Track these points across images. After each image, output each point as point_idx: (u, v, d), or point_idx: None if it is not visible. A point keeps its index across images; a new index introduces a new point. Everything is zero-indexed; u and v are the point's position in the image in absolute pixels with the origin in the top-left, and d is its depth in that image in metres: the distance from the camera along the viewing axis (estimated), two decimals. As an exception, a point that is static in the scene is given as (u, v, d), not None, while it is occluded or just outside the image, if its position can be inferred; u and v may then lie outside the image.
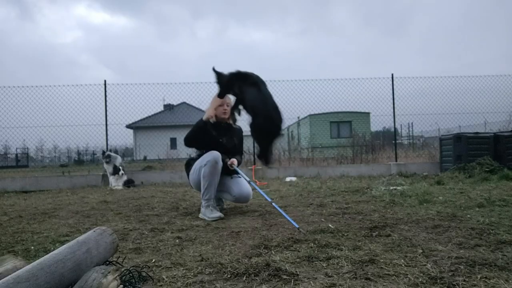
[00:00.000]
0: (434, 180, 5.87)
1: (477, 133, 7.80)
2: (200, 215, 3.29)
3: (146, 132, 24.52)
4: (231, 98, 3.34)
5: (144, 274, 1.68)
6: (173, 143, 19.08)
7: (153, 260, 1.95)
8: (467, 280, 1.51)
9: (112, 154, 8.02)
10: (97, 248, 1.47)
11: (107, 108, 8.56)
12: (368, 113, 16.13)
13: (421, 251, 1.94)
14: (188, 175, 3.61)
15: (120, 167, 7.30)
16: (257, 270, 1.69)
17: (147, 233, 2.68)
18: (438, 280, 1.50)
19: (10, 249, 2.34)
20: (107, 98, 8.56)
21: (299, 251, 2.01)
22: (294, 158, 12.27)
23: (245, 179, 3.53)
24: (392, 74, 9.12)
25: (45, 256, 1.31)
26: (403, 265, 1.71)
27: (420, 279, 1.52)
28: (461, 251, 1.93)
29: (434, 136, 13.69)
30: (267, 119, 2.88)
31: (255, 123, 2.93)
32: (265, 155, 3.01)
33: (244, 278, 1.63)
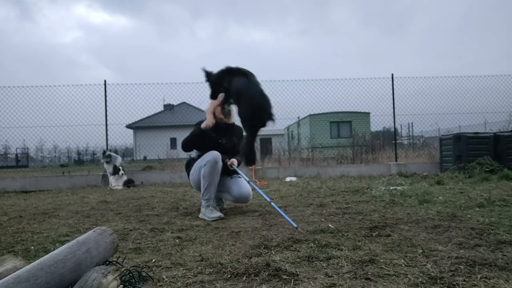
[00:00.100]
0: (434, 180, 5.87)
1: (477, 133, 7.80)
2: (200, 215, 3.29)
3: (146, 132, 24.54)
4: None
5: (144, 274, 1.68)
6: (173, 143, 19.07)
7: (153, 260, 1.95)
8: (467, 280, 1.51)
9: (113, 154, 8.02)
10: (97, 248, 1.47)
11: (107, 108, 8.56)
12: (368, 113, 16.13)
13: (421, 251, 1.94)
14: (188, 175, 3.61)
15: (120, 167, 7.30)
16: (257, 270, 1.69)
17: (147, 233, 2.68)
18: (438, 280, 1.50)
19: (10, 249, 2.34)
20: (107, 98, 8.57)
21: (299, 251, 2.01)
22: (294, 158, 12.29)
23: (244, 179, 3.53)
24: (392, 74, 9.14)
25: (45, 256, 1.31)
26: (403, 265, 1.71)
27: (420, 279, 1.52)
28: (461, 251, 1.93)
29: (434, 136, 13.70)
30: (252, 101, 2.85)
31: (241, 108, 2.93)
32: (249, 150, 2.95)
33: (244, 278, 1.63)
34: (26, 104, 8.68)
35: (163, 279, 1.65)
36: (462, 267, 1.66)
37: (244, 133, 3.29)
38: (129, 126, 21.28)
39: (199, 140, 3.40)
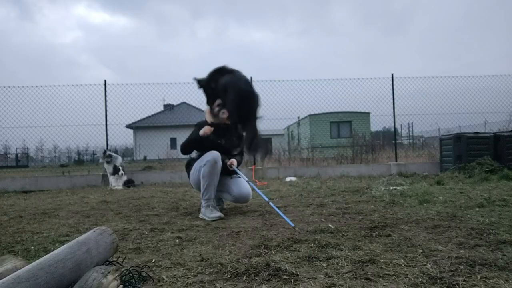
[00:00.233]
0: (434, 180, 5.87)
1: (477, 133, 7.80)
2: (200, 215, 3.29)
3: (146, 132, 24.54)
4: None
5: (144, 274, 1.68)
6: (173, 143, 19.08)
7: (153, 260, 1.95)
8: (467, 280, 1.51)
9: (113, 154, 8.03)
10: (97, 248, 1.47)
11: (107, 108, 8.57)
12: (368, 113, 16.13)
13: (421, 251, 1.94)
14: (188, 175, 3.61)
15: (120, 167, 7.31)
16: (257, 270, 1.69)
17: (147, 233, 2.68)
18: (438, 280, 1.50)
19: (10, 249, 2.34)
20: (107, 98, 8.58)
21: (299, 251, 2.01)
22: (294, 158, 12.29)
23: (244, 179, 3.53)
24: (392, 74, 9.15)
25: (45, 256, 1.31)
26: (403, 265, 1.71)
27: (420, 279, 1.52)
28: (461, 251, 1.93)
29: (434, 136, 13.70)
30: (239, 89, 2.90)
31: (229, 98, 2.97)
32: (255, 140, 2.97)
33: (244, 278, 1.63)
34: (26, 104, 8.70)
35: (163, 279, 1.65)
36: (462, 267, 1.66)
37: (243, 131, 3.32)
38: (129, 126, 21.28)
39: (198, 144, 3.42)
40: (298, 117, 17.25)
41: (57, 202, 4.96)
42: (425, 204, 3.55)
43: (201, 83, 3.34)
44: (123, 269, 1.58)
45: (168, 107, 29.36)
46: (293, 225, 2.62)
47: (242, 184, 3.51)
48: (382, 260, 1.79)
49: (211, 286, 1.56)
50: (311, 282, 1.54)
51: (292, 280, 1.57)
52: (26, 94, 8.66)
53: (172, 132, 21.57)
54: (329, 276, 1.61)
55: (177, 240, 2.41)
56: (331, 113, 16.13)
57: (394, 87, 9.15)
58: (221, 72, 3.19)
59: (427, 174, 7.53)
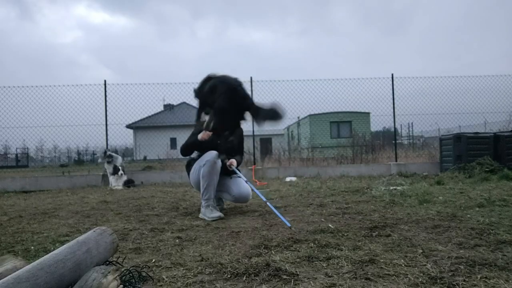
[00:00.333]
0: (434, 180, 5.87)
1: (477, 133, 7.80)
2: (200, 215, 3.29)
3: (146, 132, 24.54)
4: None
5: (144, 274, 1.68)
6: (173, 143, 19.10)
7: (153, 260, 1.95)
8: (467, 280, 1.51)
9: (114, 154, 8.03)
10: (97, 248, 1.47)
11: (107, 108, 8.58)
12: (368, 113, 16.13)
13: (421, 251, 1.94)
14: (188, 175, 3.61)
15: (120, 167, 7.31)
16: (257, 270, 1.69)
17: (147, 233, 2.68)
18: (438, 280, 1.50)
19: (10, 249, 2.34)
20: (107, 98, 8.58)
21: (299, 251, 2.01)
22: (294, 158, 12.28)
23: (242, 179, 3.53)
24: (392, 74, 9.15)
25: (45, 256, 1.31)
26: (403, 265, 1.71)
27: (420, 279, 1.52)
28: (461, 251, 1.93)
29: (434, 136, 13.70)
30: (228, 86, 2.96)
31: (218, 97, 3.01)
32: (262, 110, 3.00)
33: (244, 278, 1.63)
34: (26, 104, 8.70)
35: (163, 279, 1.65)
36: (462, 267, 1.66)
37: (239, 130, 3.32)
38: (129, 126, 21.28)
39: (198, 146, 3.42)
40: (298, 117, 17.26)
41: (57, 202, 4.96)
42: (425, 204, 3.55)
43: (197, 94, 3.42)
44: (123, 269, 1.58)
45: (168, 107, 29.35)
46: (289, 225, 2.62)
47: (242, 184, 3.52)
48: (382, 260, 1.79)
49: (211, 286, 1.56)
50: (311, 282, 1.54)
51: (292, 280, 1.57)
52: (26, 94, 8.67)
53: (172, 132, 21.59)
54: (329, 276, 1.61)
55: (177, 240, 2.41)
56: (331, 113, 16.13)
57: (394, 87, 9.16)
58: (209, 79, 3.28)
59: (427, 174, 7.53)
